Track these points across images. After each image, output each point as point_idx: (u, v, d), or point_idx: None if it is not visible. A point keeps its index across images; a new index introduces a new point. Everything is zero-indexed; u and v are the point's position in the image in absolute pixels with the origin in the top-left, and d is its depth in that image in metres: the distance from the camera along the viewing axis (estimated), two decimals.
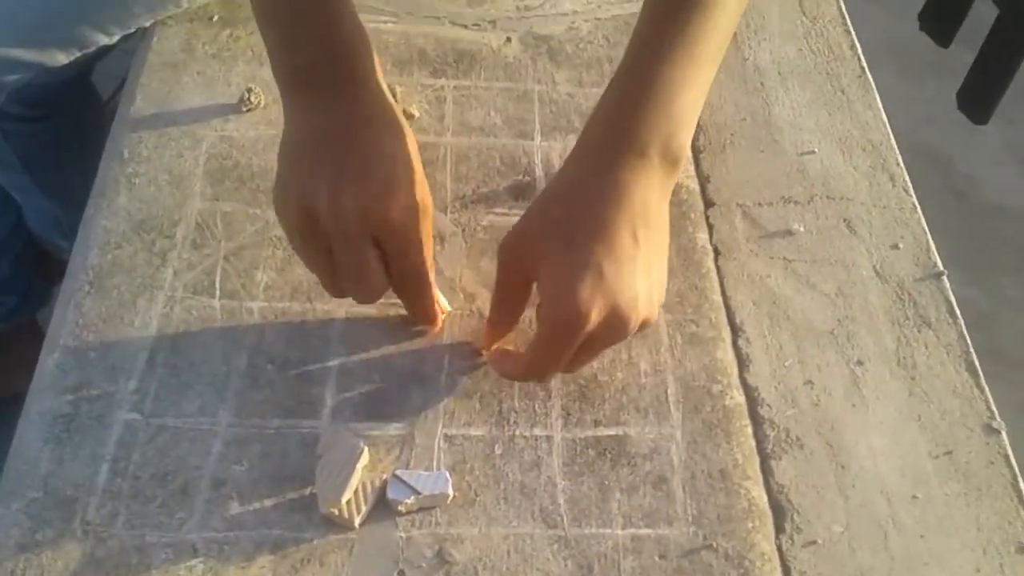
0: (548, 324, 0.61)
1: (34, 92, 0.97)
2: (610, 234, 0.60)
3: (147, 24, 0.95)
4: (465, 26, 0.98)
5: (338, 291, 0.67)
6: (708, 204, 0.86)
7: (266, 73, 0.90)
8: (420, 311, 0.71)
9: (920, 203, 0.88)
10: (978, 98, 1.36)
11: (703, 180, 0.88)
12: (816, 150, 0.92)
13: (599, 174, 0.62)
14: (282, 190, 0.64)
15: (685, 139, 0.62)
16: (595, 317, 0.60)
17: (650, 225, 0.62)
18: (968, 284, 1.65)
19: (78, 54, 0.94)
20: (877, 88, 0.98)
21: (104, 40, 0.95)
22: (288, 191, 0.63)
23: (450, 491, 0.66)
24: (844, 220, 0.86)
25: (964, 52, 1.34)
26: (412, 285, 0.69)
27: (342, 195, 0.61)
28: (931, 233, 0.86)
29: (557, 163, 0.87)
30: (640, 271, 0.61)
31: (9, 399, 0.92)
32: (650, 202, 0.62)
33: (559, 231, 0.61)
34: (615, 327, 0.61)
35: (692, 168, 0.89)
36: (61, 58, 0.94)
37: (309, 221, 0.62)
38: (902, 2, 1.61)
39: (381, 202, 0.62)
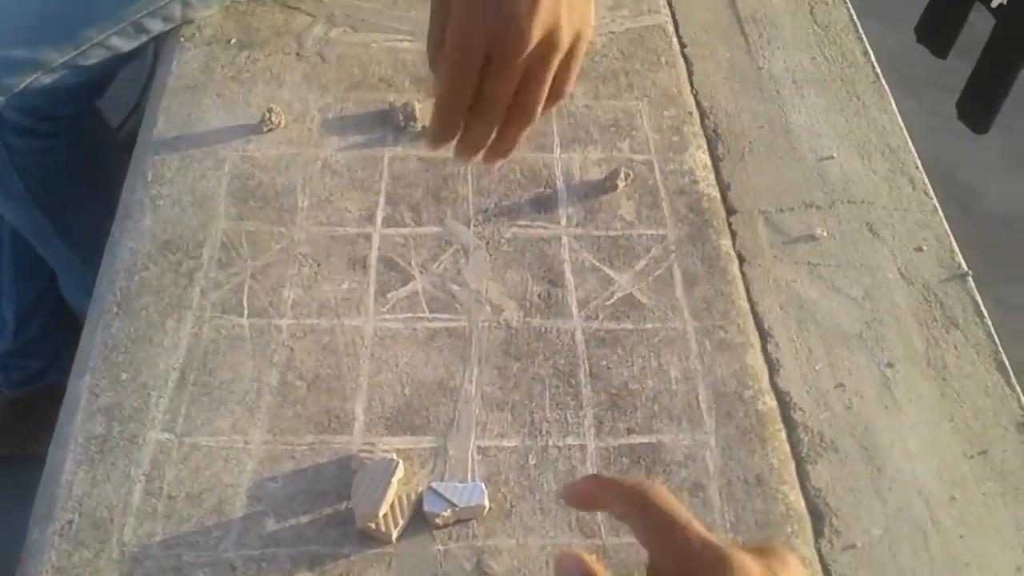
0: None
1: (34, 99, 0.95)
2: None
3: (140, 17, 0.94)
4: None
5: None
6: (730, 211, 0.86)
7: (285, 93, 0.91)
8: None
9: None
10: (977, 107, 1.36)
11: (723, 188, 0.88)
12: (835, 155, 0.92)
13: None
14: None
15: None
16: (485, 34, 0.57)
17: None
18: None
19: (73, 52, 0.94)
20: None
21: (97, 36, 0.94)
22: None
23: (486, 503, 0.65)
24: (866, 224, 0.86)
25: (961, 63, 1.34)
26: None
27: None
28: None
29: (577, 175, 0.87)
30: None
31: (26, 460, 0.91)
32: None
33: None
34: (508, 39, 0.58)
35: (712, 176, 0.89)
36: (55, 56, 0.93)
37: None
38: (898, 14, 1.61)
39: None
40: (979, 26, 1.21)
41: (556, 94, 0.62)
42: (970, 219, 1.89)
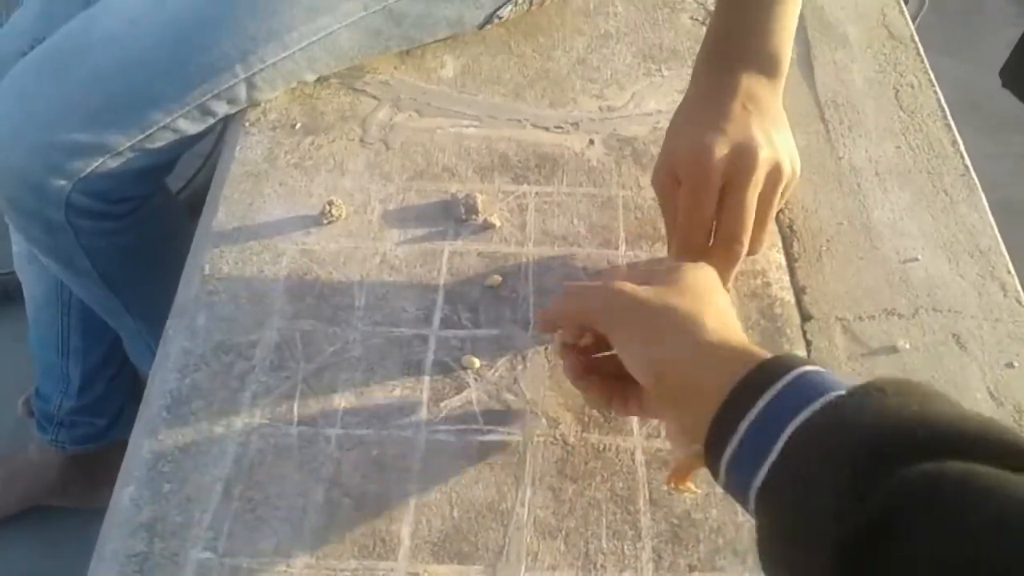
0: (683, 174, 0.73)
1: (101, 182, 0.95)
2: (724, 107, 0.73)
3: (206, 100, 0.94)
4: (547, 128, 0.96)
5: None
6: (805, 318, 0.82)
7: (347, 182, 0.90)
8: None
9: None
10: None
11: (798, 291, 0.84)
12: (920, 257, 0.87)
13: (711, 80, 0.76)
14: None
15: (780, 51, 0.76)
16: (718, 153, 0.71)
17: (758, 100, 0.74)
18: None
19: (140, 136, 0.93)
20: None
21: (163, 120, 0.93)
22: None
23: None
24: (953, 335, 0.81)
25: None
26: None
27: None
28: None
29: None
30: (755, 126, 0.72)
31: (91, 512, 0.91)
32: (754, 89, 0.74)
33: (689, 128, 0.75)
34: (743, 161, 0.71)
35: (787, 278, 0.85)
36: (121, 140, 0.93)
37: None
38: (983, 57, 1.55)
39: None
40: None
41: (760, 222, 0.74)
42: None
